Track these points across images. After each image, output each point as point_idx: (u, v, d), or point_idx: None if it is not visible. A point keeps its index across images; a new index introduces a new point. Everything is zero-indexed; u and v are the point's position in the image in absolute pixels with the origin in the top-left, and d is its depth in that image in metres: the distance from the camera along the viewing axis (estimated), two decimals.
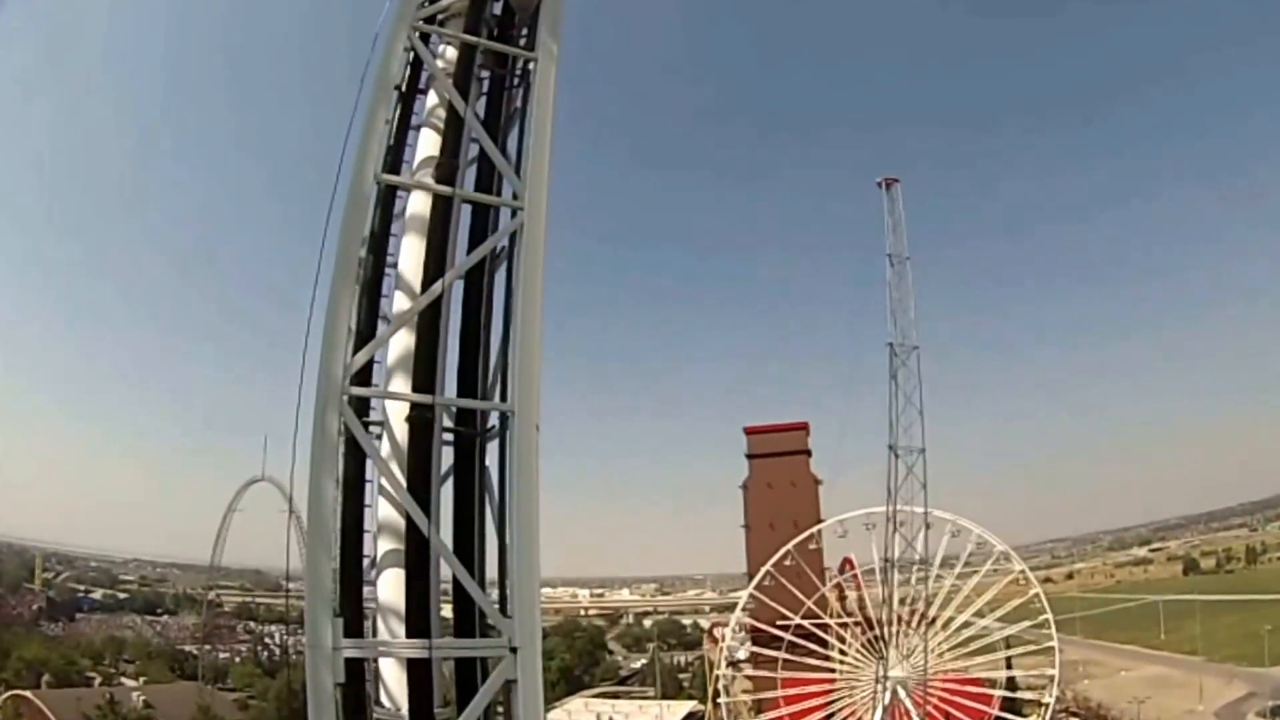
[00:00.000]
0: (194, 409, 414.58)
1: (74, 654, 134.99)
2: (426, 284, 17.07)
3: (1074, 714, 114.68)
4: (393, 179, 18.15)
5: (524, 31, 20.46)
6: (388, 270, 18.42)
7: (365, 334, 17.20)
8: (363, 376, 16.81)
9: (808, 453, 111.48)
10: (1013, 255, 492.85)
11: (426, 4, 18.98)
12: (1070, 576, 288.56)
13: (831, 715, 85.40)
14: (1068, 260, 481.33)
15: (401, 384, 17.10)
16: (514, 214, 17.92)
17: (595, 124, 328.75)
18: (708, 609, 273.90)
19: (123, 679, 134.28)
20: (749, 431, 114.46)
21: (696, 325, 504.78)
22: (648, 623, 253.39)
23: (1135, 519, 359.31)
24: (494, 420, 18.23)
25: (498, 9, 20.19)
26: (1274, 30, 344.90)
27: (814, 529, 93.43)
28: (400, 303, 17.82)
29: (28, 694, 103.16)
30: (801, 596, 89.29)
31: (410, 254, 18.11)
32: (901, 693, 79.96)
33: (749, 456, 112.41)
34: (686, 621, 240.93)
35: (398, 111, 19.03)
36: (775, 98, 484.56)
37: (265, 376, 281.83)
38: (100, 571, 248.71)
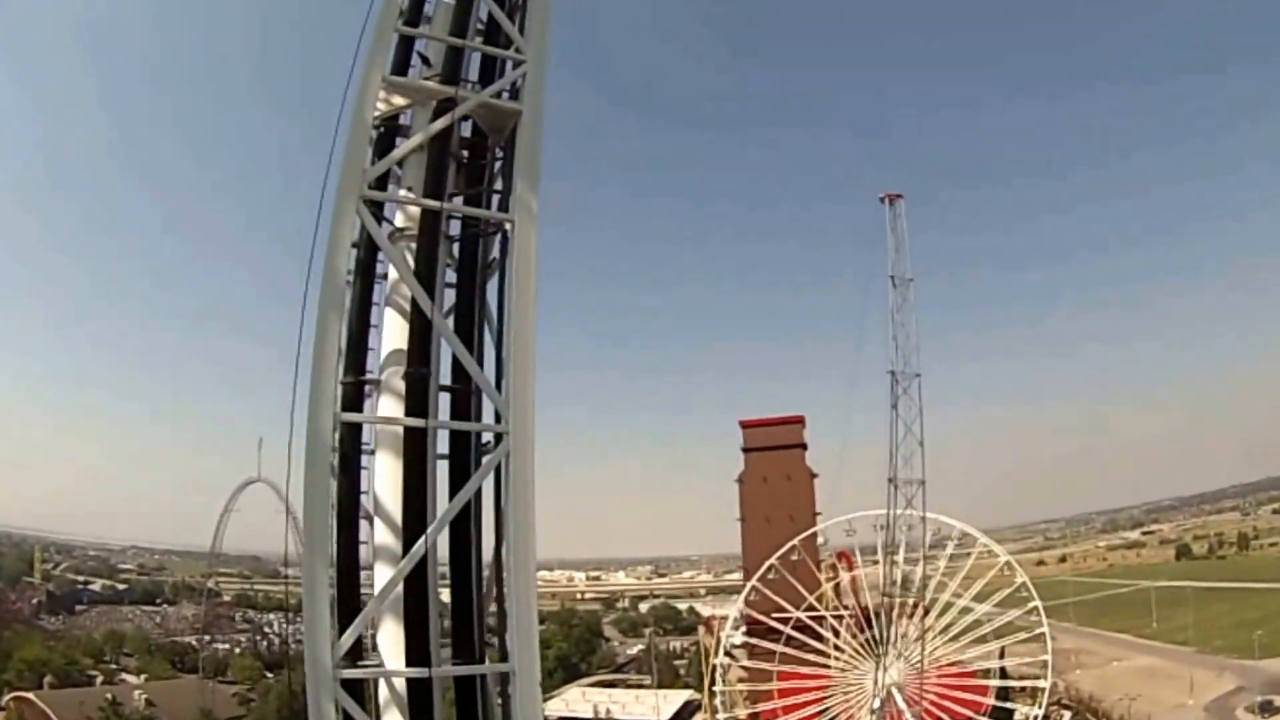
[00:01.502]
0: (189, 397, 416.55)
1: (75, 653, 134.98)
2: (408, 538, 15.91)
3: (1066, 706, 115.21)
4: (354, 417, 16.95)
5: (499, 153, 19.26)
6: (364, 466, 17.02)
7: (348, 571, 16.41)
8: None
9: (803, 446, 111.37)
10: (1006, 230, 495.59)
11: (375, 162, 17.70)
12: (1063, 560, 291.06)
13: (826, 713, 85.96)
14: (1059, 234, 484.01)
15: (393, 625, 16.24)
16: (497, 439, 16.75)
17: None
18: (703, 591, 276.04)
19: (124, 675, 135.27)
20: (745, 425, 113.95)
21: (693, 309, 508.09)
22: (644, 607, 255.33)
23: (1128, 500, 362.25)
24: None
25: (467, 130, 19.02)
26: None
27: (795, 541, 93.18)
28: (381, 534, 16.59)
29: (31, 696, 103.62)
30: (789, 606, 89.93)
31: (386, 478, 16.74)
32: (896, 695, 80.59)
33: (745, 450, 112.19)
34: (682, 606, 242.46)
35: (358, 284, 17.80)
36: (776, 92, 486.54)
37: (261, 363, 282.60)
38: (99, 561, 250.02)
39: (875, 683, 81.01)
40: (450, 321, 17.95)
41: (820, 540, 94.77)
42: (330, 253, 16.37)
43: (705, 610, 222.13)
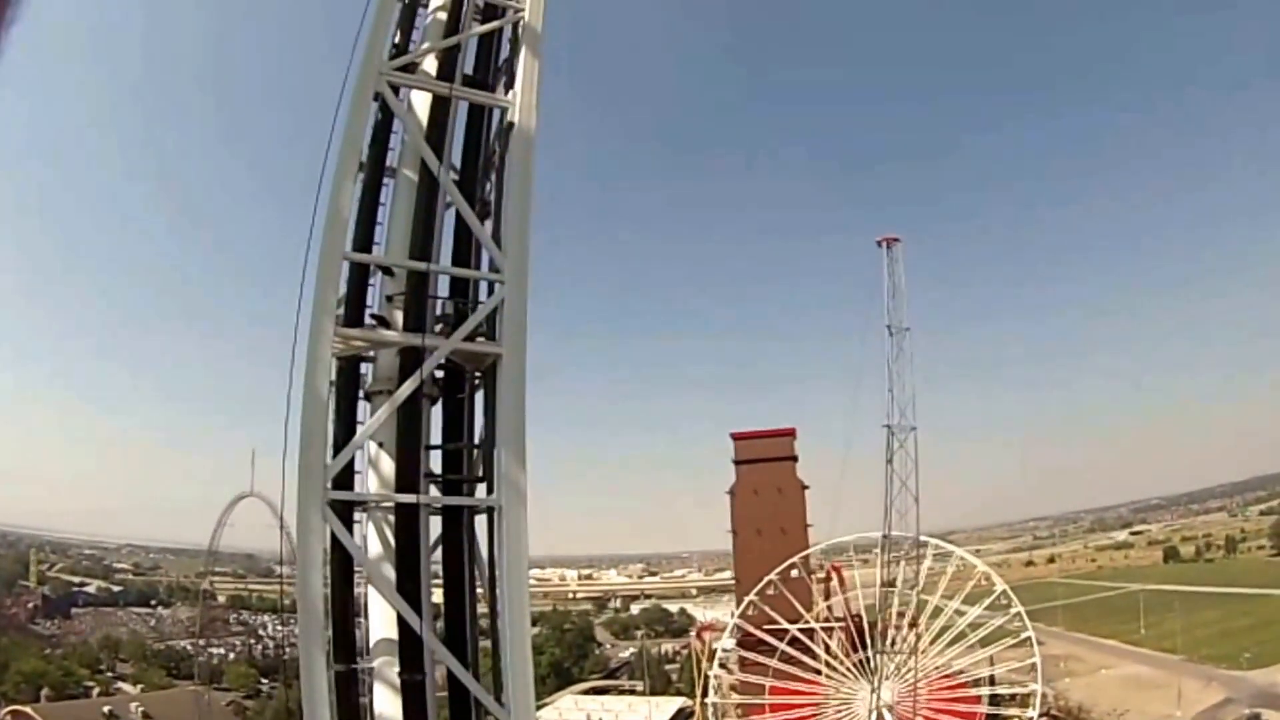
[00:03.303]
0: (183, 392, 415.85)
1: (72, 663, 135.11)
2: None
3: (1054, 717, 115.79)
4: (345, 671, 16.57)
5: (478, 379, 18.26)
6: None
7: None
8: None
9: (794, 458, 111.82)
10: (995, 231, 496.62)
11: (336, 451, 16.79)
12: (1052, 560, 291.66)
13: None
14: (1048, 239, 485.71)
15: None
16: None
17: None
18: (694, 591, 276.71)
19: (120, 684, 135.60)
20: (736, 437, 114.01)
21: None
22: (635, 608, 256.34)
23: (1116, 498, 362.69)
24: None
25: (440, 370, 17.88)
26: None
27: (771, 577, 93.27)
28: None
29: (27, 709, 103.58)
30: (782, 621, 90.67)
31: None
32: (889, 717, 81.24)
33: (736, 462, 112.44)
34: (674, 608, 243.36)
35: (335, 577, 16.94)
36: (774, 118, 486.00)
37: (255, 357, 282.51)
38: (93, 560, 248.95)
39: (870, 708, 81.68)
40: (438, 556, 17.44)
41: (794, 573, 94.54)
42: (303, 578, 15.49)
43: (697, 612, 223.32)
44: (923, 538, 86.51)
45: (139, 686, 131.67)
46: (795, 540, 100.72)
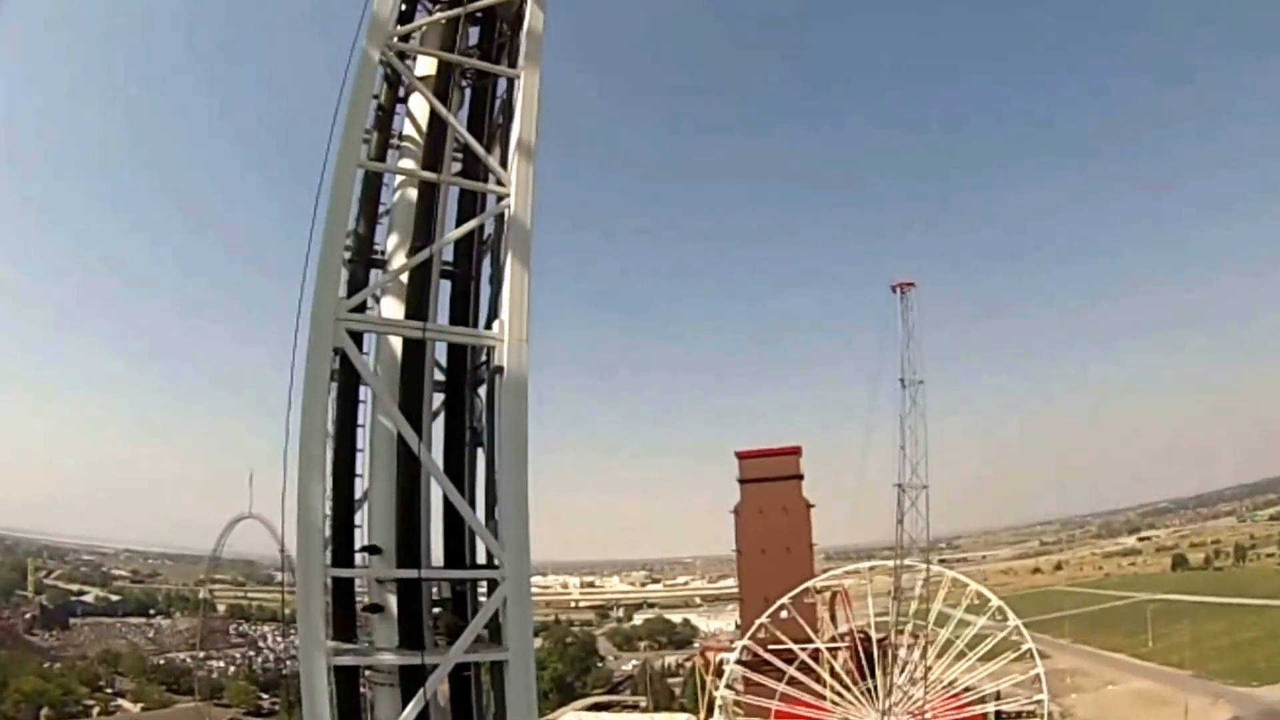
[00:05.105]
0: (185, 399, 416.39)
1: (70, 680, 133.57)
2: None
3: None
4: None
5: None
6: None
7: None
8: None
9: (800, 477, 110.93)
10: (1001, 227, 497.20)
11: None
12: (1059, 567, 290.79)
13: None
14: (1057, 235, 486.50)
15: None
16: None
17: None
18: (698, 600, 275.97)
19: (119, 701, 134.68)
20: (741, 456, 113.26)
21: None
22: (638, 618, 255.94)
23: (1124, 501, 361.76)
24: None
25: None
26: None
27: (761, 617, 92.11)
28: None
29: None
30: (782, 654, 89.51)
31: None
32: None
33: (741, 481, 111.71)
34: (676, 619, 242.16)
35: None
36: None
37: (256, 358, 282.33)
38: (91, 567, 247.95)
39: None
40: None
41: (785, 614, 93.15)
42: None
43: (700, 622, 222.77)
44: (919, 563, 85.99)
45: (139, 705, 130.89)
46: (800, 559, 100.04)
